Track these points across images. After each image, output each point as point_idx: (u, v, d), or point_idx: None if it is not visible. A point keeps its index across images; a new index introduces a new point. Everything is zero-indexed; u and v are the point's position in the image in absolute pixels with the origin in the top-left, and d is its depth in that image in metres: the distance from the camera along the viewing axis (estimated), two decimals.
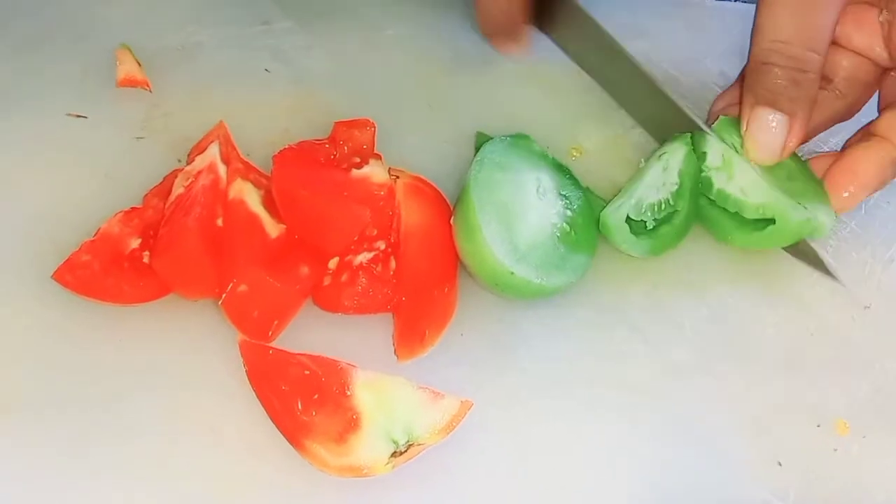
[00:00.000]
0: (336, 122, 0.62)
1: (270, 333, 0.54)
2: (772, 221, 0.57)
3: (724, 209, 0.59)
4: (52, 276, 0.54)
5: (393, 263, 0.56)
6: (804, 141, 0.57)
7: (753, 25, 0.56)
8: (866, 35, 0.58)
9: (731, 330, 0.58)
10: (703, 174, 0.60)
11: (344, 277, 0.55)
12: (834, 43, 0.59)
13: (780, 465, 0.53)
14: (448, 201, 0.59)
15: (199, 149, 0.60)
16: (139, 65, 0.67)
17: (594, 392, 0.55)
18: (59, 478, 0.50)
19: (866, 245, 0.62)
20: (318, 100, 0.66)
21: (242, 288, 0.53)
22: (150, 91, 0.66)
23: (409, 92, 0.68)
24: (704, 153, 0.59)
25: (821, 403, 0.55)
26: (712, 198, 0.59)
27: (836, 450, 0.53)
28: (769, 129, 0.55)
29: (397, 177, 0.58)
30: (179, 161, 0.61)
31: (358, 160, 0.59)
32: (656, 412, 0.54)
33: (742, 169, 0.58)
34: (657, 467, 0.53)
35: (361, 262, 0.56)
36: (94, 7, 0.70)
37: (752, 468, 0.53)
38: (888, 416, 0.55)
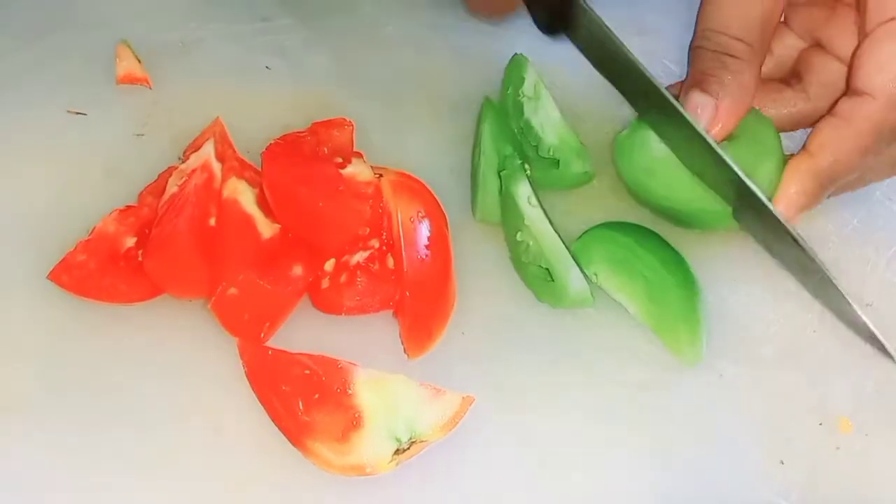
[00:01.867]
0: (314, 123, 0.62)
1: (263, 335, 0.54)
2: (555, 163, 0.60)
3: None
4: (47, 277, 0.54)
5: (390, 260, 0.56)
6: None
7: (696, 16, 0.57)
8: (849, 40, 0.57)
9: (733, 328, 0.57)
10: (518, 98, 0.63)
11: (343, 278, 0.55)
12: (817, 45, 0.59)
13: (782, 463, 0.53)
14: (437, 196, 0.59)
15: (195, 147, 0.60)
16: (139, 61, 0.66)
17: (596, 389, 0.55)
18: (59, 476, 0.50)
19: (868, 242, 0.62)
20: (318, 96, 0.66)
21: (232, 291, 0.53)
22: (150, 88, 0.66)
23: (409, 89, 0.68)
24: (522, 78, 0.62)
25: (823, 401, 0.55)
26: (521, 125, 0.62)
27: (838, 448, 0.53)
28: (695, 111, 0.55)
29: (381, 175, 0.58)
30: (180, 158, 0.61)
31: (340, 160, 0.59)
32: (659, 410, 0.54)
33: (547, 105, 0.62)
34: (659, 465, 0.52)
35: (358, 262, 0.56)
36: (93, 3, 0.70)
37: (754, 467, 0.53)
38: (891, 413, 0.55)
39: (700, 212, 0.58)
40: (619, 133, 0.61)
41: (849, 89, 0.54)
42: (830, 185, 0.54)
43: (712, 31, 0.55)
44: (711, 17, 0.56)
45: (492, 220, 0.60)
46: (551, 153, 0.61)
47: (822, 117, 0.55)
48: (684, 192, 0.58)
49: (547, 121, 0.62)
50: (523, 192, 0.57)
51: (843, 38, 0.58)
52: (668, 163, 0.59)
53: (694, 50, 0.56)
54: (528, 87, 0.63)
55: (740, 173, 0.53)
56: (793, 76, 0.59)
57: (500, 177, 0.59)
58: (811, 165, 0.53)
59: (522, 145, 0.62)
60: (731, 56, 0.55)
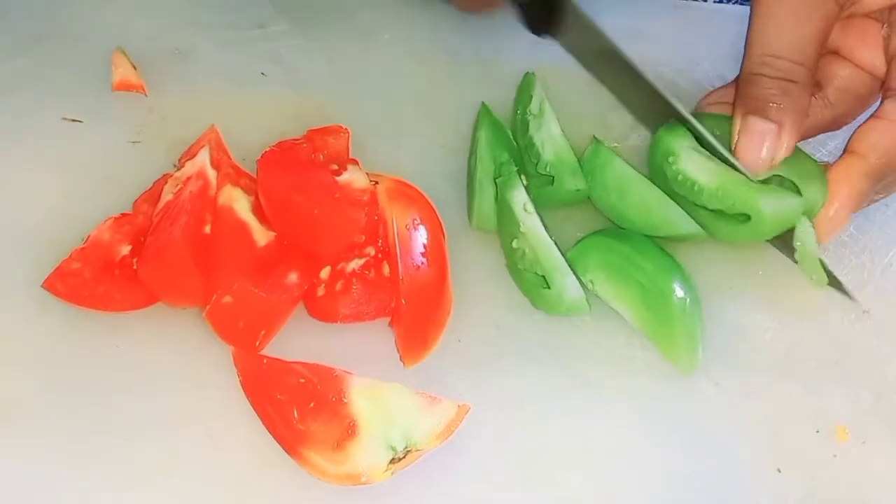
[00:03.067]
0: (309, 130, 0.62)
1: (258, 343, 0.54)
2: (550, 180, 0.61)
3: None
4: (42, 285, 0.54)
5: (385, 268, 0.56)
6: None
7: (747, 37, 0.57)
8: (869, 48, 0.59)
9: (729, 336, 0.57)
10: (525, 116, 0.63)
11: (338, 286, 0.55)
12: (835, 53, 0.60)
13: (779, 471, 0.52)
14: (433, 203, 0.58)
15: (190, 154, 0.60)
16: (135, 68, 0.66)
17: (592, 397, 0.54)
18: (57, 484, 0.50)
19: (865, 249, 0.62)
20: (314, 103, 0.66)
21: (227, 299, 0.52)
22: (146, 95, 0.66)
23: (406, 95, 0.67)
24: (530, 97, 0.63)
25: (820, 409, 0.55)
26: (525, 143, 0.62)
27: (835, 456, 0.53)
28: (758, 138, 0.56)
29: (376, 182, 0.58)
30: (175, 166, 0.61)
31: (336, 167, 0.59)
32: (655, 418, 0.54)
33: (549, 122, 0.62)
34: (656, 474, 0.52)
35: (354, 270, 0.56)
36: (89, 11, 0.70)
37: (751, 474, 0.52)
38: (888, 421, 0.54)
39: (675, 234, 0.59)
40: (583, 154, 0.62)
41: (889, 91, 0.57)
42: (878, 185, 0.56)
43: (772, 56, 0.55)
44: (769, 42, 0.56)
45: (488, 228, 0.60)
46: (548, 170, 0.61)
47: (862, 121, 0.57)
48: (657, 212, 0.59)
49: (548, 138, 0.62)
50: (519, 198, 0.57)
51: (859, 46, 0.59)
52: (636, 182, 0.60)
53: (751, 77, 0.56)
54: (534, 105, 0.63)
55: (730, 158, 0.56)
56: (814, 86, 0.60)
57: (495, 184, 0.59)
58: (862, 166, 0.55)
59: (524, 161, 0.62)
60: (792, 81, 0.55)
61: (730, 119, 0.58)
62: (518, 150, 0.63)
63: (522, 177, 0.58)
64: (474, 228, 0.60)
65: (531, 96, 0.64)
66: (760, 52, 0.56)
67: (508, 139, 0.63)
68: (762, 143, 0.56)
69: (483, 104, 0.64)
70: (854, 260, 0.61)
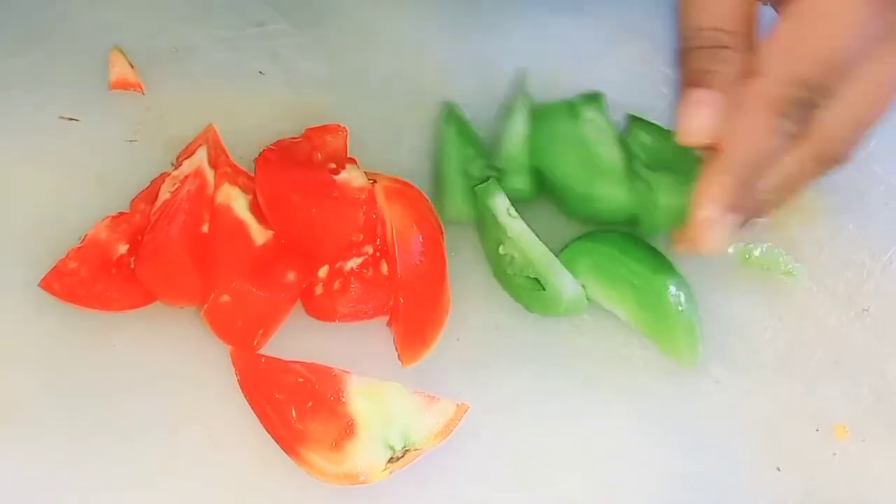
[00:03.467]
0: (307, 129, 0.61)
1: (256, 343, 0.53)
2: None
3: None
4: (39, 285, 0.54)
5: (384, 267, 0.56)
6: None
7: (677, 18, 0.54)
8: None
9: (727, 333, 0.57)
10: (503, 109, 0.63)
11: (336, 285, 0.55)
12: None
13: (778, 470, 0.52)
14: (432, 202, 0.59)
15: (188, 153, 0.60)
16: (132, 67, 0.66)
17: (591, 396, 0.54)
18: (56, 484, 0.50)
19: (864, 247, 0.61)
20: (313, 102, 0.66)
21: (225, 298, 0.52)
22: (143, 93, 0.65)
23: (404, 94, 0.67)
24: (517, 90, 0.63)
25: (819, 407, 0.55)
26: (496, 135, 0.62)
27: (835, 454, 0.53)
28: (695, 107, 0.52)
29: (374, 181, 0.58)
30: (172, 164, 0.60)
31: (334, 166, 0.59)
32: (654, 417, 0.54)
33: (518, 118, 0.61)
34: (655, 473, 0.52)
35: (352, 268, 0.56)
36: (86, 9, 0.70)
37: (750, 473, 0.52)
38: (888, 419, 0.54)
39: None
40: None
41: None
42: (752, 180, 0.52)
43: (705, 28, 0.53)
44: (702, 15, 0.53)
45: (459, 219, 0.59)
46: (500, 164, 0.60)
47: None
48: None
49: (510, 133, 0.61)
50: (501, 204, 0.57)
51: None
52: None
53: (687, 52, 0.54)
54: (513, 100, 0.63)
55: None
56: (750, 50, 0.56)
57: (474, 192, 0.58)
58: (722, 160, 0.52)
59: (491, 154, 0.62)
60: (727, 48, 0.53)
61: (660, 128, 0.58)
62: (481, 145, 0.62)
63: (486, 167, 0.59)
64: (448, 221, 0.59)
65: (518, 90, 0.63)
66: (694, 25, 0.53)
67: (473, 134, 0.63)
68: (699, 111, 0.52)
69: (446, 102, 0.64)
70: (853, 258, 0.61)
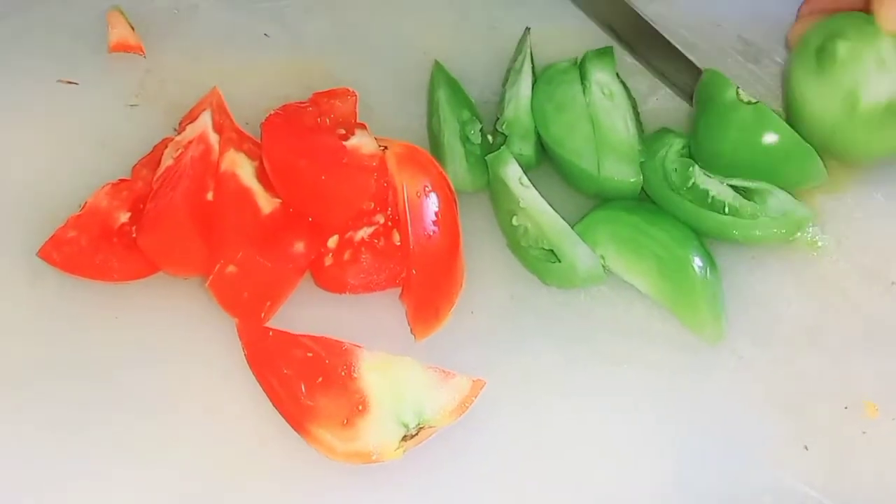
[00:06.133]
0: (315, 93, 0.60)
1: (263, 315, 0.53)
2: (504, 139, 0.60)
3: None
4: (37, 254, 0.53)
5: (396, 236, 0.55)
6: None
7: None
8: None
9: (752, 307, 0.56)
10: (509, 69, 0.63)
11: (346, 255, 0.54)
12: None
13: (806, 448, 0.51)
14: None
15: (191, 117, 0.59)
16: (132, 29, 0.65)
17: (610, 370, 0.53)
18: (55, 454, 0.49)
19: (893, 217, 0.60)
20: (319, 65, 0.65)
21: (231, 269, 0.51)
22: (144, 56, 0.64)
23: (414, 57, 0.66)
24: (521, 51, 0.63)
25: (848, 384, 0.53)
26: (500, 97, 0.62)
27: (864, 432, 0.52)
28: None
29: (385, 147, 0.56)
30: (175, 129, 0.60)
31: (343, 131, 0.57)
32: (675, 392, 0.53)
33: (523, 81, 0.61)
34: (677, 449, 0.51)
35: (363, 238, 0.54)
36: None
37: (777, 452, 0.51)
38: None
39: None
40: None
41: None
42: None
43: None
44: None
45: (465, 188, 0.58)
46: (504, 127, 0.59)
47: None
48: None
49: (515, 96, 0.60)
50: (513, 173, 0.55)
51: None
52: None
53: None
54: (518, 61, 0.62)
55: None
56: None
57: (462, 143, 0.57)
58: None
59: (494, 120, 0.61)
60: None
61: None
62: (476, 108, 0.62)
63: (484, 131, 0.59)
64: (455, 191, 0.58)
65: (521, 51, 0.63)
66: None
67: (465, 96, 0.62)
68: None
69: (436, 62, 0.63)
70: (883, 230, 0.59)
